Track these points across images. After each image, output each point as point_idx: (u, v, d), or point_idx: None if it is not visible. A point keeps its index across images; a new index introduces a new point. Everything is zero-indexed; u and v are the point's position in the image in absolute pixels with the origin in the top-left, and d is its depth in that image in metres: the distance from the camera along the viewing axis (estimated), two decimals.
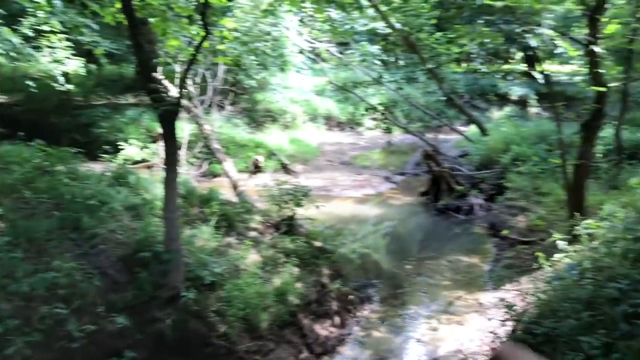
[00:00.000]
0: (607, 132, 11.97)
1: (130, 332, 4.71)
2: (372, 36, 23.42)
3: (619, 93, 11.38)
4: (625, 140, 11.10)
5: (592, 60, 6.82)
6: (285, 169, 15.15)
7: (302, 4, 7.62)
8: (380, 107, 11.02)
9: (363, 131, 22.59)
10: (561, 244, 5.67)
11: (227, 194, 8.89)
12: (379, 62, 17.78)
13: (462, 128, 20.24)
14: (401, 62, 24.76)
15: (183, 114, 13.69)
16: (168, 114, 5.19)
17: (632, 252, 4.36)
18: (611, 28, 10.95)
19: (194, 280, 5.41)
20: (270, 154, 15.50)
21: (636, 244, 4.35)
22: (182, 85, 5.38)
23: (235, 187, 9.59)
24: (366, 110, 9.96)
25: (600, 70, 6.88)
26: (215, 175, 13.78)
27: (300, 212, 7.62)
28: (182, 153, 13.54)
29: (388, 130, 9.72)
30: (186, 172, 12.96)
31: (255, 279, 5.97)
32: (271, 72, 18.51)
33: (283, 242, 7.02)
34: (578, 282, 4.38)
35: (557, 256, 5.73)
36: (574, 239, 6.24)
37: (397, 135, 19.81)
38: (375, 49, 17.20)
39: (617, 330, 3.24)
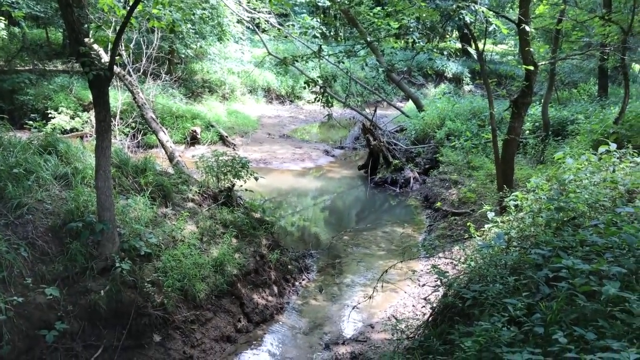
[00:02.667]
0: (535, 109, 12.56)
1: (61, 304, 4.57)
2: (313, 8, 23.26)
3: (546, 72, 11.93)
4: (551, 117, 11.68)
5: (523, 39, 7.07)
6: (223, 141, 14.94)
7: None
8: (320, 81, 10.97)
9: (303, 105, 22.55)
10: (490, 214, 5.94)
11: (163, 165, 8.69)
12: (318, 35, 17.65)
13: (399, 104, 20.64)
14: (341, 36, 24.80)
15: (116, 82, 13.14)
16: (99, 80, 4.97)
17: (554, 221, 4.63)
18: (541, 9, 11.45)
19: (129, 251, 5.29)
20: (208, 126, 15.22)
21: (558, 213, 4.61)
22: (114, 51, 5.15)
23: (171, 158, 9.36)
24: (306, 83, 9.90)
25: (530, 49, 7.15)
26: (150, 146, 13.40)
27: (239, 184, 7.57)
28: (116, 122, 13.05)
29: (328, 104, 9.74)
30: (120, 142, 12.53)
31: (193, 250, 5.92)
32: (209, 41, 18.02)
33: (221, 214, 6.96)
34: (505, 250, 4.62)
35: (486, 226, 6.02)
36: (502, 210, 6.56)
37: (337, 110, 19.91)
38: (315, 21, 17.04)
39: (539, 293, 3.45)
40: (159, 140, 9.82)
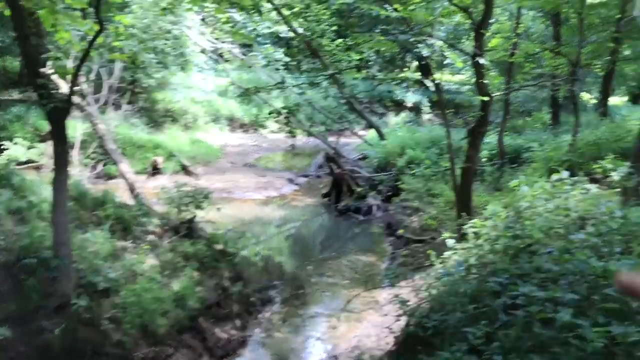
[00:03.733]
0: (491, 137, 12.93)
1: (13, 344, 4.39)
2: (276, 39, 23.53)
3: (501, 102, 12.36)
4: (507, 145, 12.04)
5: (478, 71, 7.33)
6: (185, 170, 14.79)
7: (203, 4, 7.48)
8: (284, 111, 11.10)
9: (267, 133, 22.62)
10: (450, 242, 6.04)
11: (124, 197, 8.54)
12: (282, 66, 17.87)
13: (362, 132, 20.90)
14: (304, 67, 25.13)
15: (76, 113, 12.92)
16: (57, 111, 4.90)
17: (511, 248, 4.74)
18: (494, 42, 11.92)
19: (87, 287, 5.14)
20: (170, 155, 15.04)
21: (515, 240, 4.73)
22: (73, 83, 5.09)
23: (132, 189, 9.20)
24: (269, 113, 10.01)
25: (484, 81, 7.41)
26: (110, 177, 13.14)
27: (200, 214, 7.49)
28: (75, 154, 12.78)
29: (291, 134, 9.84)
30: (79, 173, 12.25)
31: (153, 284, 5.79)
32: (172, 71, 17.99)
33: (183, 246, 6.86)
34: (465, 278, 4.70)
35: (446, 254, 6.10)
36: (462, 237, 6.68)
37: (301, 138, 20.04)
38: (278, 52, 17.30)
39: (498, 321, 3.52)
40: (120, 171, 9.66)
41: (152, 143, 15.08)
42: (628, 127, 11.50)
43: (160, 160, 14.28)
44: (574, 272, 3.61)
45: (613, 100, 24.92)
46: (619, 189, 6.08)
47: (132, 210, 7.10)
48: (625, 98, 31.23)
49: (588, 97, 25.61)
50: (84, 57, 5.01)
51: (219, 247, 7.52)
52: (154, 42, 15.00)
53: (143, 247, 6.31)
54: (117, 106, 15.10)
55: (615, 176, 6.05)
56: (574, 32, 12.67)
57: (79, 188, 6.54)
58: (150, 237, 6.81)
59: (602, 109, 16.83)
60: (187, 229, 7.26)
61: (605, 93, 17.54)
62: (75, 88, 5.16)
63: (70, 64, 9.21)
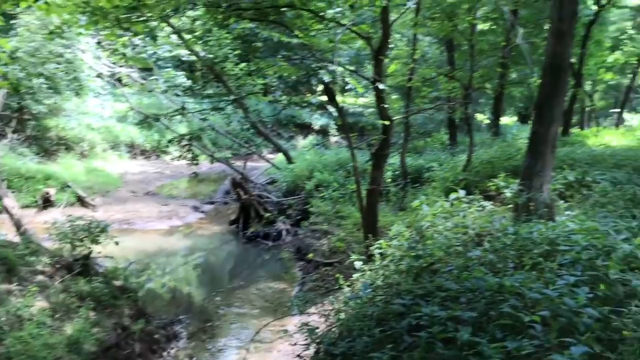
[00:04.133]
0: (394, 159, 13.36)
1: None
2: (177, 63, 23.03)
3: (402, 124, 12.83)
4: (409, 165, 12.48)
5: (378, 95, 7.54)
6: (81, 202, 13.91)
7: (96, 28, 7.12)
8: (186, 137, 10.78)
9: (170, 160, 21.91)
10: (358, 264, 6.08)
11: (8, 234, 7.84)
12: (184, 90, 17.47)
13: (270, 156, 20.85)
14: (208, 91, 24.78)
15: None
16: None
17: (414, 268, 4.84)
18: (393, 67, 12.40)
19: None
20: (64, 186, 14.11)
21: (417, 260, 4.83)
22: None
23: (18, 225, 8.47)
24: (169, 142, 9.70)
25: (385, 105, 7.64)
26: None
27: (97, 249, 7.02)
28: None
29: (194, 161, 9.56)
30: None
31: (43, 329, 5.31)
32: (65, 96, 16.96)
33: (77, 285, 6.36)
34: (372, 300, 4.71)
35: (355, 276, 6.14)
36: (369, 259, 6.75)
37: (206, 164, 19.58)
38: (180, 76, 16.90)
39: (403, 343, 3.53)
40: (4, 206, 8.88)
41: (43, 174, 14.07)
42: (518, 145, 12.36)
43: (52, 191, 13.33)
44: (472, 289, 3.73)
45: (504, 120, 26.84)
46: (511, 205, 6.45)
47: (17, 248, 6.51)
48: (515, 118, 33.82)
49: (482, 118, 27.38)
50: None
51: (119, 283, 7.08)
52: (44, 67, 14.09)
53: (31, 289, 5.78)
54: (2, 135, 13.96)
55: (507, 193, 6.40)
56: (466, 57, 13.49)
57: None
58: (40, 278, 6.26)
59: (495, 128, 18.03)
60: (82, 266, 6.77)
61: (496, 114, 18.83)
62: None
63: None
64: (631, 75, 23.87)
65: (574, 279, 3.22)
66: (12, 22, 14.43)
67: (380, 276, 5.44)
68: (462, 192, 6.17)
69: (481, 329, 3.27)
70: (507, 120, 31.00)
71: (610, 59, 22.11)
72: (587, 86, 25.00)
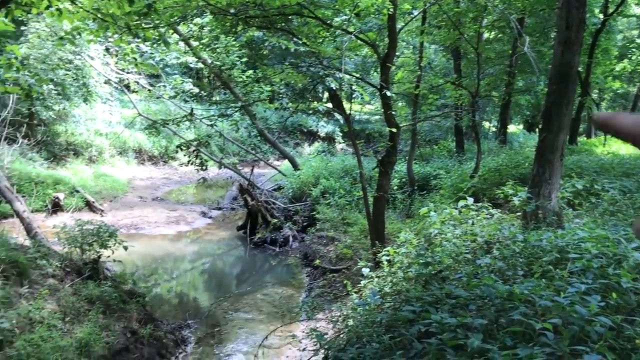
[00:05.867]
0: (401, 166, 13.39)
1: None
2: (185, 70, 23.18)
3: (409, 131, 12.87)
4: (416, 173, 12.50)
5: (385, 103, 7.58)
6: (90, 207, 13.99)
7: (105, 34, 7.21)
8: (194, 143, 10.83)
9: (178, 165, 22.02)
10: (365, 270, 6.10)
11: (19, 238, 7.90)
12: (191, 97, 17.57)
13: (276, 162, 20.93)
14: (215, 98, 24.92)
15: None
16: None
17: (423, 275, 4.86)
18: (399, 75, 12.46)
19: None
20: (73, 191, 14.20)
21: (426, 267, 4.85)
22: None
23: (28, 230, 8.53)
24: (178, 147, 9.75)
25: (392, 112, 7.68)
26: (4, 217, 12.14)
27: (106, 254, 7.06)
28: None
29: (202, 167, 9.58)
30: None
31: (53, 332, 5.34)
32: (73, 102, 17.10)
33: (87, 289, 6.41)
34: (380, 307, 4.73)
35: (362, 282, 6.15)
36: (376, 266, 6.77)
37: (214, 170, 19.64)
38: (187, 83, 17.00)
39: (413, 350, 3.54)
40: (15, 210, 8.94)
41: (52, 178, 14.17)
42: (525, 153, 12.35)
43: (61, 196, 13.42)
44: (482, 296, 3.74)
45: (511, 129, 26.81)
46: (519, 213, 6.45)
47: (28, 252, 6.55)
48: (521, 126, 33.79)
49: (488, 126, 27.35)
50: None
51: (127, 287, 7.12)
52: (54, 73, 14.22)
53: (41, 292, 5.82)
54: (12, 140, 14.08)
55: (516, 201, 6.41)
56: (473, 65, 13.53)
57: None
58: (50, 281, 6.30)
59: (502, 136, 18.02)
60: (91, 270, 6.82)
61: (503, 122, 18.83)
62: None
63: None
64: (639, 84, 23.84)
65: (585, 287, 3.22)
66: (22, 28, 14.59)
67: (388, 283, 5.45)
68: (470, 200, 6.19)
69: (491, 336, 3.28)
70: (513, 128, 30.98)
71: (618, 67, 22.11)
72: (594, 94, 24.99)
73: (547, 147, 6.31)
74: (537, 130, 23.25)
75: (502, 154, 12.90)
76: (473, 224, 5.80)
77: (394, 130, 7.47)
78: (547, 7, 12.87)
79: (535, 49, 14.53)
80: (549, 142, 6.31)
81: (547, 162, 6.27)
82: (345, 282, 6.61)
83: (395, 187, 12.19)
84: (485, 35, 15.25)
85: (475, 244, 5.34)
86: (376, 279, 5.86)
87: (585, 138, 21.81)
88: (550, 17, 14.54)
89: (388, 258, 5.89)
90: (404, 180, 12.61)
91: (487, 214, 6.10)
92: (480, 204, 6.41)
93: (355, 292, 6.00)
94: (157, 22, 7.17)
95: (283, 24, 7.94)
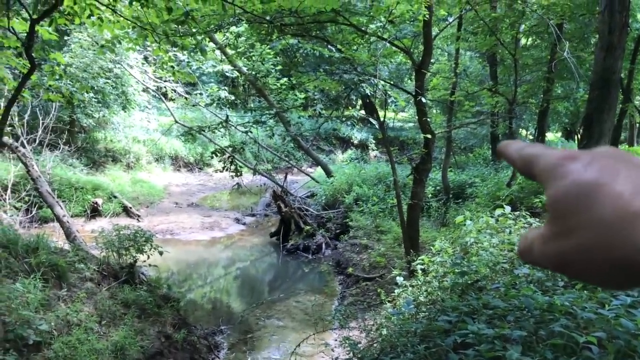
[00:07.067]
0: (435, 174, 13.23)
1: None
2: (221, 78, 23.50)
3: (444, 139, 12.71)
4: (451, 181, 12.33)
5: (420, 109, 7.50)
6: (127, 212, 14.29)
7: (144, 43, 7.37)
8: (229, 150, 10.97)
9: (212, 172, 22.29)
10: (399, 279, 6.02)
11: (59, 242, 8.10)
12: (227, 105, 17.80)
13: (309, 169, 20.98)
14: (250, 105, 25.18)
15: (7, 154, 12.33)
16: None
17: (459, 284, 4.76)
18: (435, 81, 12.33)
19: (15, 342, 4.76)
20: (111, 197, 14.53)
21: (462, 277, 4.75)
22: (3, 123, 4.83)
23: (68, 234, 8.76)
24: (213, 153, 9.91)
25: (427, 119, 7.59)
26: (46, 221, 12.51)
27: (142, 258, 7.18)
28: (7, 197, 12.12)
29: (237, 173, 9.70)
30: (10, 218, 11.60)
31: (90, 335, 5.44)
32: (112, 110, 17.55)
33: (123, 293, 6.52)
34: (414, 316, 4.65)
35: (396, 291, 6.07)
36: (411, 274, 6.68)
37: (248, 176, 19.80)
38: (223, 90, 17.25)
39: None
40: (55, 215, 9.20)
41: (92, 184, 14.53)
42: None
43: (99, 201, 13.75)
44: (520, 307, 3.63)
45: (548, 136, 26.20)
46: None
47: (67, 256, 6.71)
48: (559, 134, 32.98)
49: (526, 133, 26.80)
50: (15, 96, 4.77)
51: (162, 292, 7.21)
52: (95, 81, 14.63)
53: (79, 295, 5.95)
54: (54, 147, 14.52)
55: None
56: (510, 72, 13.29)
57: (8, 233, 6.13)
58: (88, 284, 6.43)
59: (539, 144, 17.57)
60: (128, 274, 6.93)
61: (541, 129, 18.38)
62: (7, 128, 4.89)
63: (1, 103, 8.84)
64: None
65: (630, 300, 3.09)
66: (65, 38, 15.07)
67: (423, 292, 5.37)
68: (507, 208, 6.05)
69: (531, 349, 3.17)
70: (551, 136, 30.27)
71: None
72: (637, 101, 24.19)
73: None
74: (576, 137, 22.66)
75: None
76: (510, 233, 5.66)
77: (429, 136, 7.39)
78: (587, 12, 12.55)
79: (574, 54, 14.18)
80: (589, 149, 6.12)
81: None
82: (378, 290, 6.54)
83: (430, 195, 12.04)
84: (523, 41, 14.96)
85: (512, 253, 5.21)
86: (410, 288, 5.78)
87: (627, 146, 21.11)
88: (590, 22, 14.17)
89: (423, 267, 5.80)
90: (438, 188, 12.45)
91: (524, 223, 5.94)
92: (518, 212, 6.25)
93: (389, 301, 5.92)
94: (194, 30, 7.29)
95: (318, 32, 7.97)
